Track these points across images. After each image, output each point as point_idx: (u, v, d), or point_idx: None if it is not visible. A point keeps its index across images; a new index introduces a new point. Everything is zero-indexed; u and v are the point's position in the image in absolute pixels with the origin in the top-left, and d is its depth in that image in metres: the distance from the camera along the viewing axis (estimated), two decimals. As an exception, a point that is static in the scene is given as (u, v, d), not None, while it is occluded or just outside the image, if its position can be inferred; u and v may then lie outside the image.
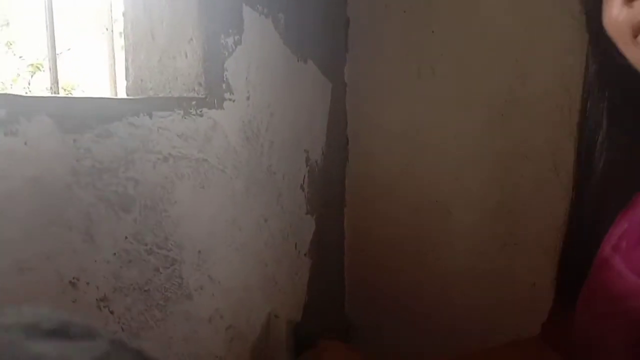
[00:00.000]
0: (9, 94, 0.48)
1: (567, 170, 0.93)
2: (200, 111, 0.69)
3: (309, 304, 1.03)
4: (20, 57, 2.29)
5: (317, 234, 1.03)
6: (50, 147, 0.50)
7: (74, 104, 0.53)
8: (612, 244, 0.43)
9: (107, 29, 0.80)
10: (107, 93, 0.85)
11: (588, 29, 0.46)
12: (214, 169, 0.72)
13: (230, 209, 0.76)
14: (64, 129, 0.52)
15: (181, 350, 0.69)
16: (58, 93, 0.73)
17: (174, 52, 0.72)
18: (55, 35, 0.69)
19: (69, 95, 0.58)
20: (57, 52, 0.73)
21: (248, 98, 0.78)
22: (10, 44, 2.34)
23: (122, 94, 0.77)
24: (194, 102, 0.68)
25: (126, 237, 0.59)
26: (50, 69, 0.70)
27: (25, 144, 0.48)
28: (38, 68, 2.10)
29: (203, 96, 0.70)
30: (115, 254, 0.58)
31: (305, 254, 1.00)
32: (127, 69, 0.75)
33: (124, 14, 0.74)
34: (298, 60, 0.91)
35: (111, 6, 0.84)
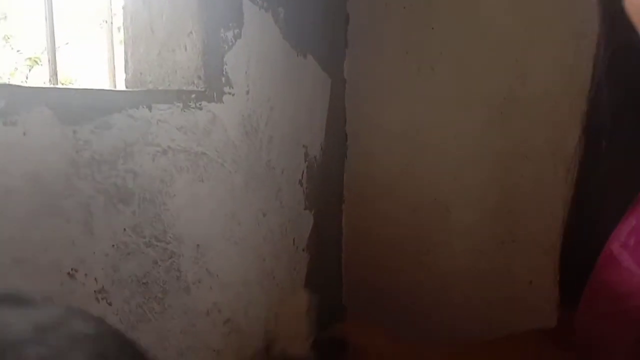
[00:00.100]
0: (9, 84, 0.48)
1: (566, 169, 0.94)
2: (200, 104, 0.69)
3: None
4: (18, 51, 2.28)
5: (316, 229, 1.03)
6: (49, 138, 0.50)
7: (74, 95, 0.53)
8: (621, 241, 0.43)
9: (106, 22, 0.79)
10: (106, 86, 0.84)
11: (603, 15, 0.45)
12: (213, 162, 0.72)
13: (229, 203, 0.76)
14: (64, 120, 0.51)
15: (179, 343, 0.69)
16: (57, 85, 0.73)
17: (173, 45, 0.72)
18: (55, 27, 0.69)
19: (69, 87, 0.58)
20: (56, 46, 0.73)
21: (247, 92, 0.78)
22: (8, 38, 2.34)
23: (121, 87, 0.77)
24: (193, 96, 0.68)
25: (125, 230, 0.59)
26: (49, 61, 0.70)
27: (25, 134, 0.48)
28: (36, 62, 2.09)
29: (202, 89, 0.70)
30: (114, 246, 0.58)
31: (303, 249, 1.00)
32: (126, 62, 0.75)
33: (123, 7, 0.73)
34: (298, 55, 0.91)
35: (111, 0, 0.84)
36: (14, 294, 0.26)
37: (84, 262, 0.55)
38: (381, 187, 1.13)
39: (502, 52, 0.98)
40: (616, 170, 0.47)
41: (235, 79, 0.75)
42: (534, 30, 0.95)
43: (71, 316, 0.27)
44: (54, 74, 0.71)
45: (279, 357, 0.81)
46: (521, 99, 0.97)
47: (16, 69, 2.07)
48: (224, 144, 0.74)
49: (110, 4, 0.82)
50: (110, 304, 0.58)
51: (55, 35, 0.69)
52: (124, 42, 0.74)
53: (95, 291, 0.56)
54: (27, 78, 2.12)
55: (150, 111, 0.62)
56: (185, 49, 0.71)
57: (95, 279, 0.56)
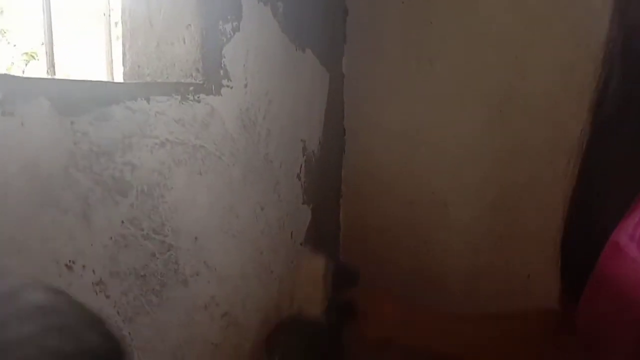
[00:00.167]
0: (6, 75, 0.47)
1: (564, 167, 0.94)
2: (198, 97, 0.69)
3: (304, 294, 1.03)
4: (14, 45, 2.27)
5: (313, 224, 1.03)
6: (47, 129, 0.50)
7: (72, 87, 0.53)
8: (628, 233, 0.43)
9: (104, 15, 0.79)
10: (104, 79, 0.84)
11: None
12: (211, 155, 0.72)
13: (227, 196, 0.76)
14: (62, 112, 0.51)
15: (177, 336, 0.69)
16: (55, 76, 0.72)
17: (171, 38, 0.71)
18: (52, 18, 0.69)
19: (67, 78, 0.57)
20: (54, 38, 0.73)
21: (246, 85, 0.78)
22: (5, 32, 2.32)
23: (119, 80, 0.77)
24: (191, 88, 0.68)
25: (123, 222, 0.59)
26: (46, 53, 0.69)
27: (22, 125, 0.48)
28: (32, 57, 2.08)
29: (201, 82, 0.70)
30: (111, 238, 0.58)
31: (301, 244, 1.00)
32: (124, 55, 0.75)
33: (122, 0, 0.73)
34: (296, 49, 0.91)
35: (108, -8, 0.83)
36: None
37: (81, 254, 0.54)
38: (379, 182, 1.13)
39: (501, 49, 0.98)
40: (621, 162, 0.47)
41: (234, 72, 0.75)
42: (534, 27, 0.95)
43: (26, 288, 0.26)
44: (51, 66, 0.70)
45: (295, 317, 0.87)
46: (520, 95, 0.97)
47: (12, 63, 2.06)
48: (222, 137, 0.74)
49: (108, -3, 0.82)
50: (108, 297, 0.58)
51: (52, 27, 0.69)
52: (122, 35, 0.74)
53: (93, 283, 0.56)
54: (23, 73, 2.11)
55: (149, 103, 0.61)
56: (184, 42, 0.71)
57: (93, 270, 0.56)
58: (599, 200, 0.48)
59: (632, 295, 0.39)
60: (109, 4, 0.83)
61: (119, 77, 0.76)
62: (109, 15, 0.80)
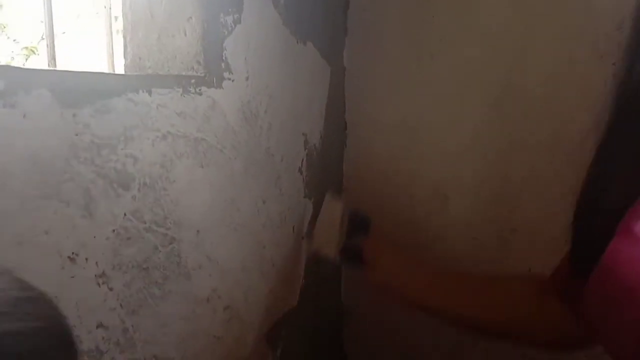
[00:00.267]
0: (8, 66, 0.47)
1: (563, 158, 0.94)
2: (199, 90, 0.69)
3: (306, 287, 1.03)
4: (14, 40, 2.26)
5: (315, 217, 1.03)
6: (49, 120, 0.50)
7: (73, 78, 0.53)
8: None
9: (105, 7, 0.79)
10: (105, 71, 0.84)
11: None
12: (212, 148, 0.72)
13: (229, 189, 0.76)
14: (63, 103, 0.51)
15: (179, 329, 0.69)
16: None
17: (173, 30, 0.71)
18: (53, 10, 0.69)
19: (68, 70, 0.57)
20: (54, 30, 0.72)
21: (247, 78, 0.78)
22: (4, 27, 2.31)
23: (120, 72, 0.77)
24: (193, 81, 0.68)
25: (125, 215, 0.59)
26: (47, 46, 0.69)
27: (24, 116, 0.48)
28: (32, 51, 2.07)
29: (202, 75, 0.70)
30: (114, 230, 0.58)
31: (302, 237, 1.00)
32: (125, 47, 0.74)
33: (122, -8, 0.73)
34: (297, 42, 0.91)
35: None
36: None
37: (84, 246, 0.54)
38: (380, 175, 1.13)
39: (501, 42, 0.97)
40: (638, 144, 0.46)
41: (235, 65, 0.75)
42: (535, 22, 0.94)
43: None
44: (52, 58, 0.70)
45: (313, 255, 0.97)
46: (520, 88, 0.97)
47: (12, 58, 2.05)
48: (223, 129, 0.74)
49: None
50: (111, 289, 0.58)
51: (53, 19, 0.68)
52: (123, 27, 0.74)
53: (96, 275, 0.56)
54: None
55: (150, 96, 0.61)
56: (185, 34, 0.70)
57: (96, 263, 0.56)
58: (614, 182, 0.47)
59: None
60: (109, -4, 0.83)
61: (120, 71, 0.76)
62: (110, 8, 0.79)
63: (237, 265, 0.80)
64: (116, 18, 0.82)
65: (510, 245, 1.03)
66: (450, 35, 1.02)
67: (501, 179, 1.02)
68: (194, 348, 0.72)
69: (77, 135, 0.53)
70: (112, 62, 0.82)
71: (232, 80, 0.75)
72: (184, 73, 0.70)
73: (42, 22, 0.70)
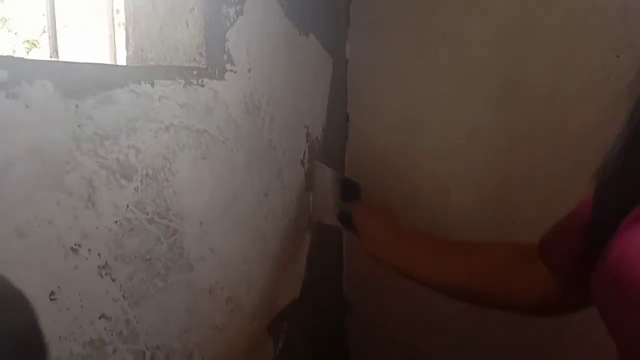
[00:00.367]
0: (11, 56, 0.47)
1: (566, 151, 0.94)
2: (202, 81, 0.69)
3: (308, 280, 1.03)
4: (15, 33, 2.26)
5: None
6: (51, 111, 0.50)
7: (76, 69, 0.53)
8: None
9: (106, -1, 0.78)
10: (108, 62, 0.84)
11: None
12: (215, 140, 0.72)
13: (231, 181, 0.76)
14: (66, 94, 0.51)
15: (182, 320, 0.69)
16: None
17: (175, 21, 0.71)
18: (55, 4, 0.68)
19: (71, 60, 0.57)
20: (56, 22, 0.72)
21: (249, 70, 0.78)
22: (5, 20, 2.31)
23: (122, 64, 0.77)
24: (195, 72, 0.68)
25: (127, 206, 0.59)
26: (49, 37, 0.69)
27: (27, 107, 0.48)
28: (34, 44, 2.07)
29: (204, 66, 0.69)
30: (116, 222, 0.58)
31: (304, 230, 1.00)
32: (127, 39, 0.74)
33: (124, -17, 0.73)
34: (300, 34, 0.91)
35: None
36: None
37: (87, 237, 0.54)
38: (382, 168, 1.13)
39: (505, 35, 0.97)
40: None
41: (237, 57, 0.75)
42: (539, 14, 0.94)
43: None
44: (54, 50, 0.70)
45: (317, 225, 1.00)
46: (522, 82, 0.96)
47: (14, 51, 2.05)
48: (225, 121, 0.74)
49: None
50: (113, 280, 0.58)
51: (55, 11, 0.68)
52: (125, 18, 0.73)
53: (98, 266, 0.56)
54: (25, 61, 2.10)
55: (153, 87, 0.61)
56: (187, 26, 0.70)
57: (99, 254, 0.56)
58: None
59: None
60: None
61: (122, 63, 0.76)
62: (112, 0, 0.79)
63: (239, 257, 0.80)
64: (117, 11, 0.82)
65: (511, 237, 1.03)
66: (453, 27, 1.01)
67: (503, 172, 1.02)
68: (196, 339, 0.72)
69: (79, 126, 0.53)
70: (114, 54, 0.81)
71: (234, 72, 0.75)
72: (186, 65, 0.70)
73: (43, 15, 0.70)
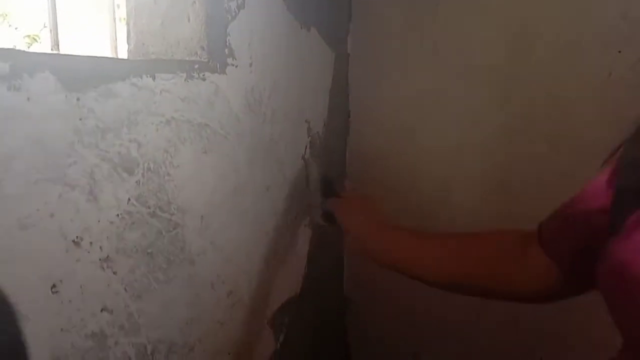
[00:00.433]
0: (13, 49, 0.47)
1: (566, 148, 0.94)
2: (203, 75, 0.69)
3: (309, 275, 1.04)
4: (15, 28, 2.25)
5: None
6: (53, 104, 0.50)
7: (78, 62, 0.53)
8: None
9: (108, -7, 0.78)
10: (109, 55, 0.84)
11: None
12: (216, 134, 0.72)
13: (233, 176, 0.76)
14: (68, 87, 0.51)
15: (184, 314, 0.69)
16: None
17: (176, 15, 0.71)
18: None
19: (73, 54, 0.57)
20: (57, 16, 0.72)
21: (251, 64, 0.77)
22: (6, 15, 2.30)
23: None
24: (196, 66, 0.68)
25: (129, 199, 0.59)
26: (51, 31, 0.69)
27: (29, 100, 0.48)
28: (35, 39, 2.06)
29: (205, 60, 0.69)
30: (118, 215, 0.58)
31: (306, 225, 1.00)
32: (128, 33, 0.74)
33: (125, -23, 0.72)
34: (301, 28, 0.90)
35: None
36: None
37: (89, 230, 0.55)
38: (383, 164, 1.12)
39: (505, 30, 0.97)
40: None
41: (239, 51, 0.75)
42: (539, 8, 0.93)
43: None
44: (55, 44, 0.70)
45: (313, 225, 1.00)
46: (523, 76, 0.96)
47: (14, 46, 2.04)
48: (227, 115, 0.74)
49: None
50: (115, 273, 0.58)
51: (57, 4, 0.68)
52: (127, 12, 0.73)
53: (100, 259, 0.56)
54: (26, 56, 2.09)
55: (154, 80, 0.61)
56: (189, 20, 0.70)
57: (101, 247, 0.56)
58: None
59: None
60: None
61: (123, 56, 0.75)
62: (113, -6, 0.79)
63: (240, 251, 0.80)
64: (118, 6, 0.82)
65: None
66: (454, 21, 1.01)
67: (503, 170, 1.02)
68: (198, 332, 0.72)
69: (81, 119, 0.53)
70: (115, 49, 0.81)
71: (236, 66, 0.74)
72: (187, 58, 0.70)
73: (44, 10, 0.70)
